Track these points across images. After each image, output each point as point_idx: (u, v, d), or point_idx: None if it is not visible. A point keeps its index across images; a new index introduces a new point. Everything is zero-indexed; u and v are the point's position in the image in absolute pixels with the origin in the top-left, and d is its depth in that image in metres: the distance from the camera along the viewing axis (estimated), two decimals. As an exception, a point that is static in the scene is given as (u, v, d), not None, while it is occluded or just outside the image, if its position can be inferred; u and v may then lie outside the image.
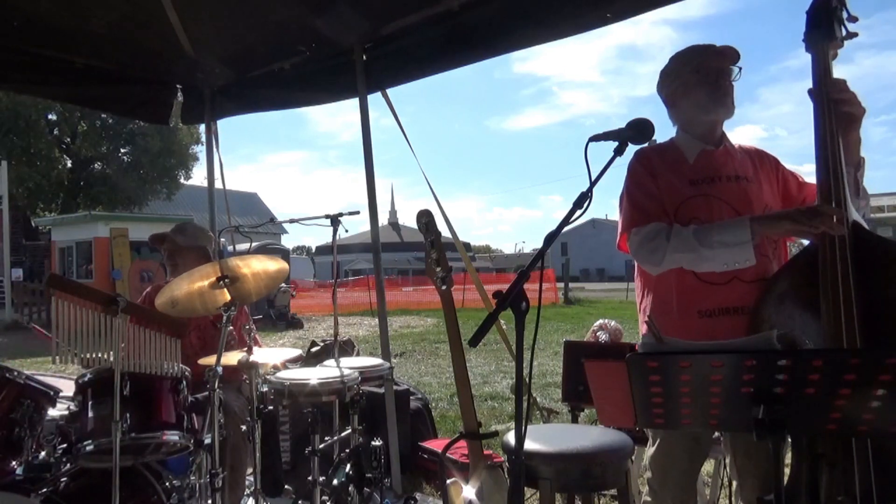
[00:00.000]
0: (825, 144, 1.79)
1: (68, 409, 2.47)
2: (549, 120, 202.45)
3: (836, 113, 1.79)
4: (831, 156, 1.77)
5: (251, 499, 2.83)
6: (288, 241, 47.65)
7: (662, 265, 1.97)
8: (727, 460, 2.32)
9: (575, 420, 3.02)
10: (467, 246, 6.96)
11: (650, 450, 2.14)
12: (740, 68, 2.06)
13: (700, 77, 2.04)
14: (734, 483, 2.21)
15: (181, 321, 2.72)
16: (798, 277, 1.83)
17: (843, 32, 1.86)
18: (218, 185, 4.84)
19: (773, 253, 2.02)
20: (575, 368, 3.05)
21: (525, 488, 1.83)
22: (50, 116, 23.85)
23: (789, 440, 1.77)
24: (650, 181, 2.06)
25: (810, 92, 1.84)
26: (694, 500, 2.16)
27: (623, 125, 1.58)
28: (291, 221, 3.73)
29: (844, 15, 1.85)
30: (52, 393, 2.54)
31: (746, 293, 1.93)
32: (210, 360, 2.58)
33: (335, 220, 3.21)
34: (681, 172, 2.06)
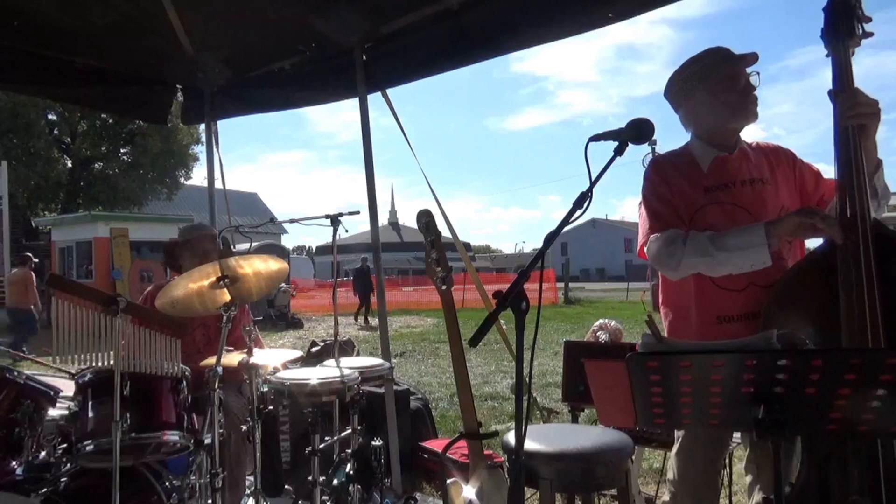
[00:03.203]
0: (845, 145, 1.78)
1: (68, 409, 2.47)
2: (548, 119, 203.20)
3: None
4: (853, 156, 1.76)
5: (251, 499, 2.83)
6: (288, 241, 47.72)
7: (679, 270, 1.98)
8: (744, 454, 2.32)
9: (575, 420, 3.02)
10: (467, 246, 6.96)
11: (674, 447, 2.17)
12: (758, 73, 2.05)
13: (729, 85, 2.02)
14: (747, 478, 2.19)
15: (181, 321, 2.72)
16: (805, 278, 1.83)
17: (860, 31, 1.85)
18: (218, 185, 4.84)
19: (789, 254, 2.02)
20: (575, 368, 3.05)
21: (525, 488, 1.83)
22: (50, 116, 23.86)
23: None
24: (665, 189, 2.07)
25: (830, 93, 1.83)
26: (714, 501, 2.16)
27: (622, 125, 1.58)
28: (291, 221, 3.73)
29: (859, 13, 1.84)
30: (52, 393, 2.54)
31: (763, 298, 1.93)
32: (211, 360, 2.58)
33: (335, 220, 3.21)
34: (695, 180, 2.06)
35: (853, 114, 1.78)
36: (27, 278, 11.33)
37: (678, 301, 2.12)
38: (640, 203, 2.14)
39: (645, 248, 2.07)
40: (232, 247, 5.27)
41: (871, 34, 1.85)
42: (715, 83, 2.04)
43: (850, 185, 1.76)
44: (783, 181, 2.08)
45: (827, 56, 1.86)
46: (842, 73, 1.82)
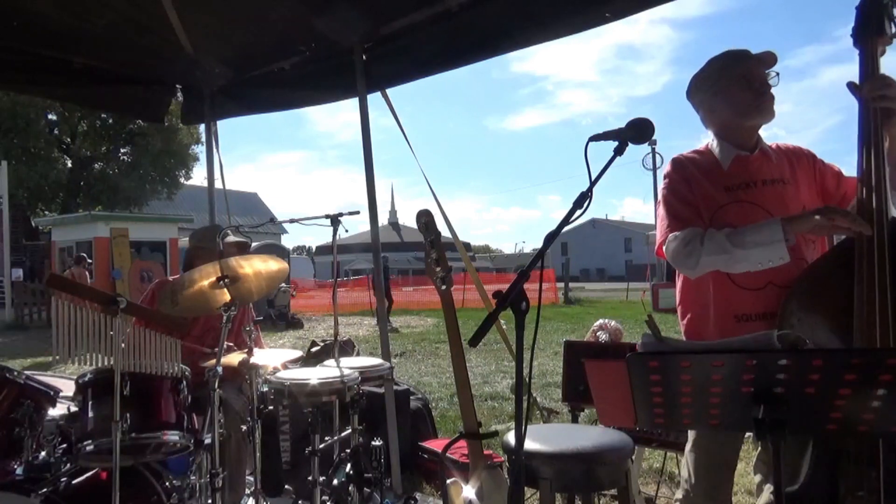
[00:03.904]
0: (868, 140, 1.78)
1: (68, 409, 2.47)
2: (547, 119, 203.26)
3: (876, 108, 1.79)
4: (874, 151, 1.77)
5: (251, 499, 2.83)
6: (288, 241, 47.76)
7: (698, 268, 1.97)
8: (748, 454, 2.32)
9: (575, 420, 3.02)
10: (467, 246, 6.95)
11: (687, 445, 2.17)
12: (777, 73, 2.05)
13: (745, 84, 2.03)
14: (756, 478, 2.18)
15: (181, 321, 2.72)
16: (822, 276, 1.84)
17: (892, 30, 1.85)
18: (218, 185, 4.84)
19: (812, 254, 2.01)
20: (575, 368, 3.06)
21: (525, 488, 1.83)
22: (50, 116, 23.88)
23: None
24: (685, 187, 2.07)
25: (851, 85, 1.83)
26: (728, 500, 2.15)
27: (621, 125, 1.58)
28: (291, 221, 3.72)
29: (894, 12, 1.85)
30: (52, 393, 2.54)
31: (781, 298, 1.93)
32: (212, 361, 2.58)
33: (335, 220, 3.20)
34: (715, 179, 2.07)
35: (881, 94, 1.78)
36: (82, 277, 11.65)
37: (696, 301, 2.11)
38: (660, 202, 2.14)
39: (664, 248, 2.07)
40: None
41: None
42: (730, 82, 2.05)
43: (870, 176, 1.76)
44: (804, 181, 2.08)
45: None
46: (869, 70, 1.82)
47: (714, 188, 2.05)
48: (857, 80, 1.84)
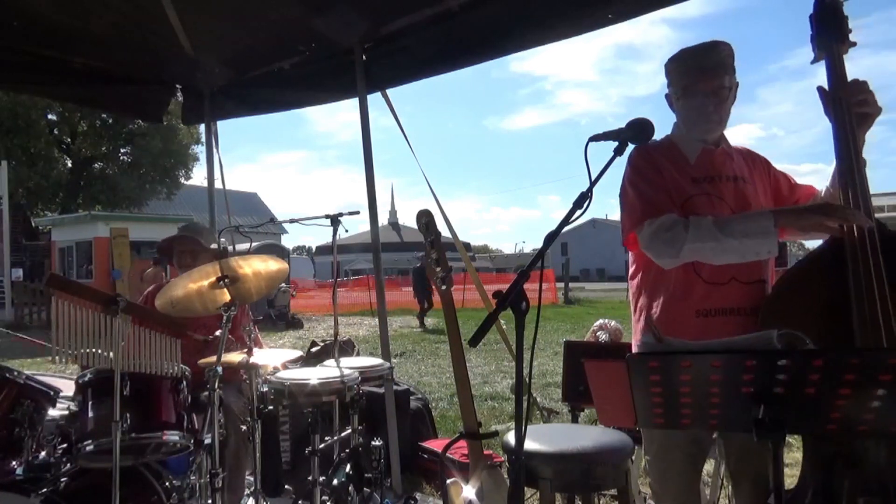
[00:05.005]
0: (846, 142, 1.79)
1: (68, 409, 2.47)
2: (547, 119, 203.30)
3: (851, 113, 1.81)
4: (854, 153, 1.78)
5: (251, 499, 2.83)
6: (288, 241, 47.72)
7: (680, 257, 1.91)
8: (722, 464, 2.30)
9: (575, 420, 3.03)
10: (467, 246, 6.96)
11: (648, 454, 2.11)
12: (730, 87, 2.00)
13: (686, 99, 2.02)
14: (729, 489, 2.18)
15: (181, 321, 2.72)
16: (806, 278, 1.83)
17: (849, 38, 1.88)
18: (218, 185, 4.85)
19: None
20: (575, 368, 3.06)
21: (525, 488, 1.83)
22: (50, 116, 23.90)
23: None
24: (656, 175, 2.03)
25: (821, 91, 1.85)
26: (697, 502, 2.13)
27: (621, 125, 1.58)
28: (291, 221, 3.72)
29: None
30: (52, 393, 2.54)
31: (744, 294, 1.93)
32: (211, 359, 2.59)
33: (335, 220, 3.21)
34: (683, 170, 2.04)
35: (862, 99, 1.80)
36: (158, 277, 11.86)
37: (656, 293, 2.04)
38: (625, 191, 2.07)
39: (638, 234, 2.00)
40: (232, 247, 5.27)
41: (854, 44, 1.88)
42: (676, 89, 2.05)
43: (853, 180, 1.77)
44: (760, 183, 2.08)
45: (812, 63, 1.92)
46: (838, 75, 1.84)
47: (682, 178, 2.02)
48: (852, 81, 1.85)
